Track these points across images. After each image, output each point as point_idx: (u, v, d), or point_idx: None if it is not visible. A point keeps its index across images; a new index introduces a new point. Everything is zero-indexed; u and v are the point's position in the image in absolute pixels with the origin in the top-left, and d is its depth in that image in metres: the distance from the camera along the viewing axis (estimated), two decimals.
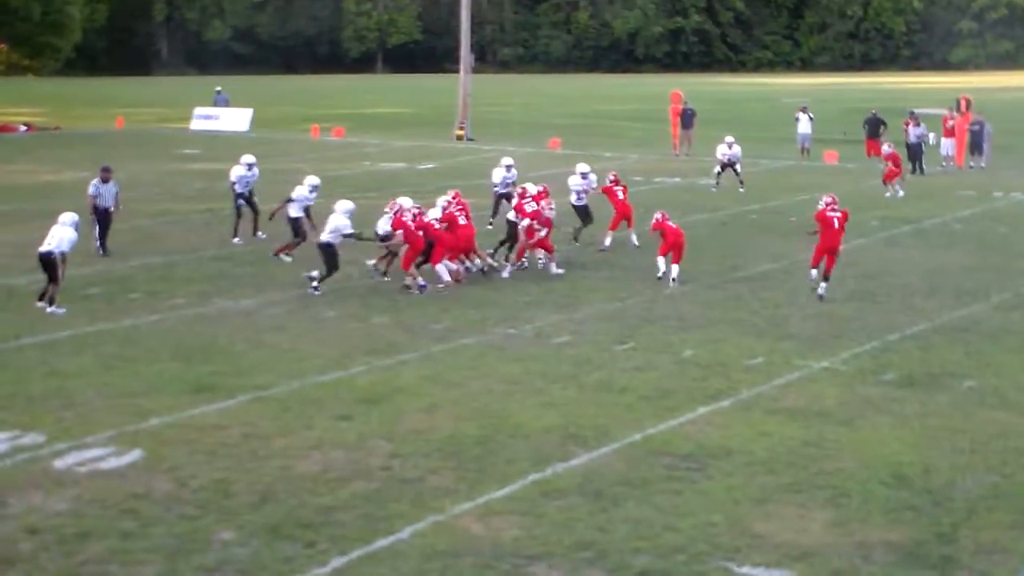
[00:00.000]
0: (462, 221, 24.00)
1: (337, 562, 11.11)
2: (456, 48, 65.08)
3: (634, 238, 27.37)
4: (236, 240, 28.27)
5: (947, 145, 45.08)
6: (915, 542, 11.54)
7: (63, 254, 20.84)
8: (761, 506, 12.46)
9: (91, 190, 26.59)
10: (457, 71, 61.93)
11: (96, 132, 63.30)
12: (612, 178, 27.92)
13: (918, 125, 43.62)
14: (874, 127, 48.16)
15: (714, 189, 37.20)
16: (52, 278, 20.94)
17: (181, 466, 13.52)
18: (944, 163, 44.40)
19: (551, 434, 14.68)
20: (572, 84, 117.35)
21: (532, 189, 25.32)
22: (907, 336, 19.55)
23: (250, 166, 29.19)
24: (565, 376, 17.24)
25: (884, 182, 36.62)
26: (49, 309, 20.87)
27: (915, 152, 43.24)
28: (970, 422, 15.16)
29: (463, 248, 24.12)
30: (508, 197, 28.29)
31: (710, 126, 56.45)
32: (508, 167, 29.66)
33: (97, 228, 26.52)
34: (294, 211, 26.30)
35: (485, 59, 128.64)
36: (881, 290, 23.05)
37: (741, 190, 36.46)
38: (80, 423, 15.03)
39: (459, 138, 56.84)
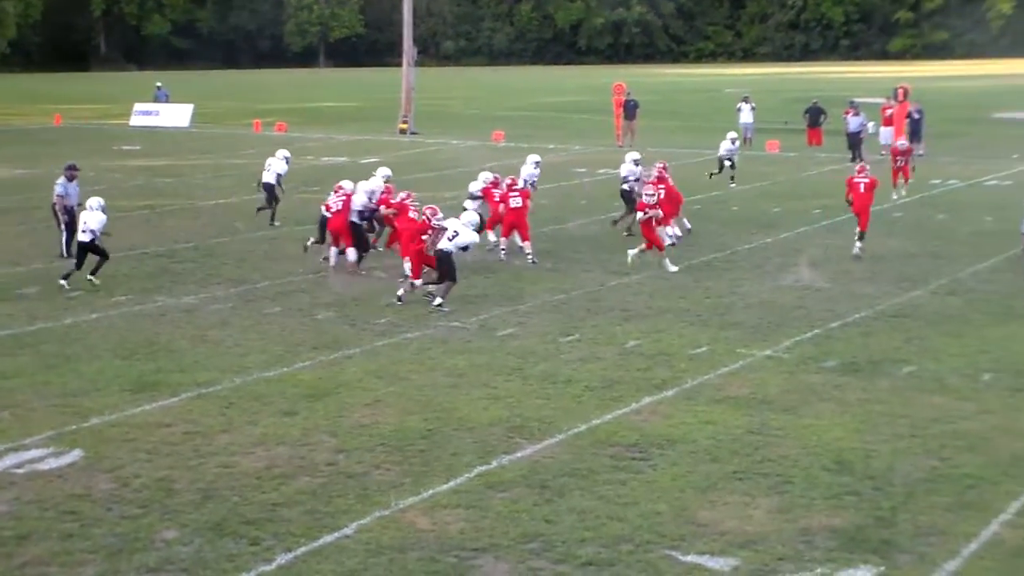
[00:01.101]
0: (411, 215, 23.78)
1: (282, 559, 11.05)
2: (399, 42, 64.88)
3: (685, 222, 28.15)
4: (275, 224, 29.49)
5: (886, 134, 45.45)
6: (856, 527, 11.64)
7: (95, 234, 22.73)
8: (705, 494, 12.52)
9: (59, 189, 26.05)
10: (400, 65, 61.81)
11: (33, 129, 62.67)
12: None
13: (858, 114, 43.95)
14: (815, 116, 48.57)
15: (709, 178, 36.50)
16: (101, 256, 22.94)
17: (122, 465, 13.40)
18: (883, 152, 44.74)
19: (496, 426, 14.69)
20: (515, 76, 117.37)
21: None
22: (848, 323, 19.72)
23: (287, 159, 30.06)
24: (510, 368, 17.25)
25: (899, 182, 33.57)
26: (98, 281, 22.74)
27: (855, 141, 43.60)
28: (910, 407, 15.32)
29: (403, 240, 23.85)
30: (628, 193, 28.37)
31: (653, 117, 56.75)
32: (635, 161, 29.56)
33: (66, 229, 25.76)
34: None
35: (428, 52, 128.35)
36: (823, 277, 23.22)
37: (732, 186, 35.98)
38: (19, 424, 14.88)
39: (403, 132, 56.73)
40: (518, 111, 70.11)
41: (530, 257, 24.96)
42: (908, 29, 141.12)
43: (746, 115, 49.21)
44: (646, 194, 24.07)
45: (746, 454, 13.68)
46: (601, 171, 40.94)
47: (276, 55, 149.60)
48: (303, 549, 11.24)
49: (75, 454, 13.79)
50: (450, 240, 20.86)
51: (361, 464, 13.47)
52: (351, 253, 24.23)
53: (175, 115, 64.47)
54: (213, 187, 37.28)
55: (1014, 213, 29.57)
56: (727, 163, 36.26)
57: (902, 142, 33.11)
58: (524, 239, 25.27)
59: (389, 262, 24.41)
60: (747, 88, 66.81)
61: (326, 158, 45.67)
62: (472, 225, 21.49)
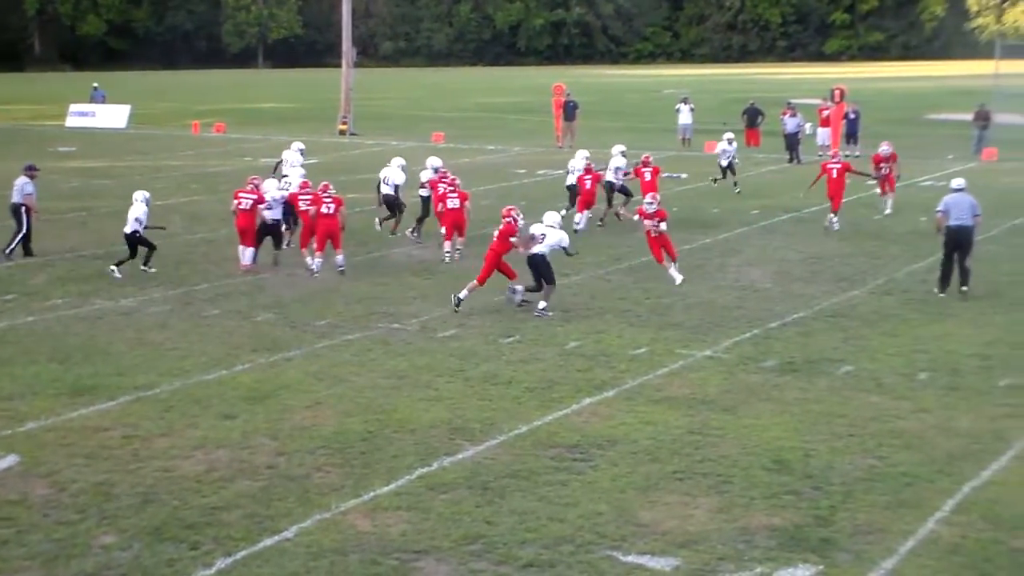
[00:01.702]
0: (324, 210, 23.78)
1: (222, 563, 10.99)
2: (338, 43, 64.70)
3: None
4: (411, 233, 28.46)
5: (823, 135, 45.89)
6: (795, 526, 11.74)
7: (141, 224, 23.77)
8: (646, 494, 12.59)
9: (29, 188, 26.07)
10: (339, 65, 61.59)
11: None
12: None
13: (795, 115, 44.33)
14: (753, 117, 48.90)
15: (715, 185, 36.03)
16: (148, 247, 24.09)
17: (59, 470, 13.27)
18: (820, 152, 45.16)
19: (437, 428, 14.68)
20: (454, 77, 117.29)
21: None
22: (787, 323, 19.89)
23: (403, 167, 29.02)
24: (451, 370, 17.25)
25: (886, 191, 31.52)
26: (152, 270, 24.09)
27: (792, 142, 43.99)
28: (847, 406, 15.47)
29: (319, 235, 23.85)
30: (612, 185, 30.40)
31: (593, 117, 56.89)
32: (623, 153, 30.90)
33: (26, 228, 25.89)
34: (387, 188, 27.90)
35: (367, 53, 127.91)
36: (762, 278, 23.40)
37: (737, 191, 35.26)
38: None
39: (342, 133, 56.54)
40: (458, 112, 70.08)
41: (458, 254, 25.26)
42: (844, 31, 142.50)
43: (685, 116, 49.49)
44: (646, 203, 23.44)
45: (686, 454, 13.76)
46: (541, 172, 41.05)
47: (214, 56, 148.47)
48: (243, 553, 11.19)
49: (11, 459, 13.63)
50: (540, 243, 20.82)
51: (302, 467, 13.42)
52: (248, 253, 24.45)
53: (112, 116, 63.87)
54: (151, 189, 36.79)
55: None
56: (726, 167, 35.68)
57: (885, 148, 30.97)
58: (461, 235, 25.47)
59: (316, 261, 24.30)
60: (686, 89, 67.21)
61: (265, 159, 45.31)
62: (557, 224, 21.35)
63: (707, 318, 20.25)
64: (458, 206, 25.32)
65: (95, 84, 69.33)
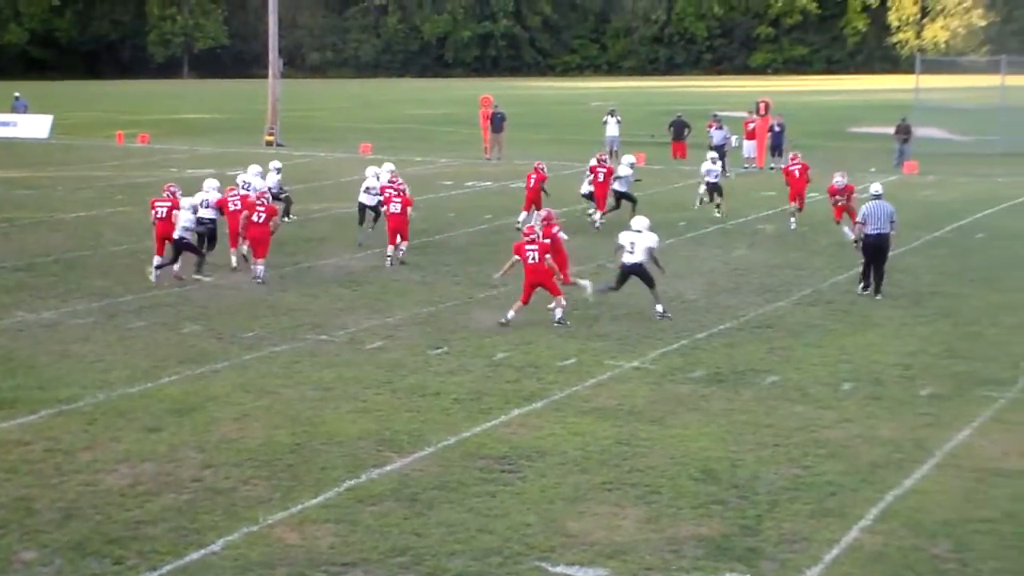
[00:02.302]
0: (255, 218, 24.09)
1: None
2: (264, 53, 64.27)
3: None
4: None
5: (749, 147, 46.36)
6: (722, 535, 11.83)
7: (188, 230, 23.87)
8: (575, 505, 12.63)
9: None
10: (266, 76, 61.21)
11: None
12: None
13: (721, 127, 44.73)
14: (679, 130, 49.28)
15: (696, 207, 34.20)
16: (199, 255, 24.34)
17: None
18: (746, 164, 45.63)
19: (365, 440, 14.64)
20: (382, 88, 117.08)
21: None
22: (714, 334, 20.04)
23: (279, 170, 30.24)
24: (379, 381, 17.20)
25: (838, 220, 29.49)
26: (206, 278, 24.12)
27: (719, 154, 44.33)
28: (773, 416, 15.62)
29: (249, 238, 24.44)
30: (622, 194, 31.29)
31: (520, 129, 57.02)
32: (631, 164, 31.74)
33: None
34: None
35: (294, 64, 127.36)
36: (689, 289, 23.55)
37: (718, 214, 33.53)
38: None
39: (269, 143, 56.18)
40: (385, 123, 69.94)
41: (400, 257, 25.78)
42: (768, 44, 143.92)
43: (612, 128, 49.66)
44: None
45: (614, 465, 13.82)
46: (469, 184, 41.07)
47: (139, 66, 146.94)
48: (168, 567, 11.09)
49: None
50: (630, 252, 20.94)
51: (228, 479, 13.32)
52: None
53: (34, 126, 63.04)
54: (74, 199, 36.55)
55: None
56: (711, 187, 33.89)
57: (839, 180, 28.73)
58: (404, 239, 25.92)
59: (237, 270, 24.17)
60: (613, 101, 67.56)
61: (191, 170, 45.00)
62: (646, 227, 21.42)
63: (635, 329, 20.35)
64: (399, 211, 25.56)
65: (16, 93, 68.34)
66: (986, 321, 21.03)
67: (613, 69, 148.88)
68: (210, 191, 25.95)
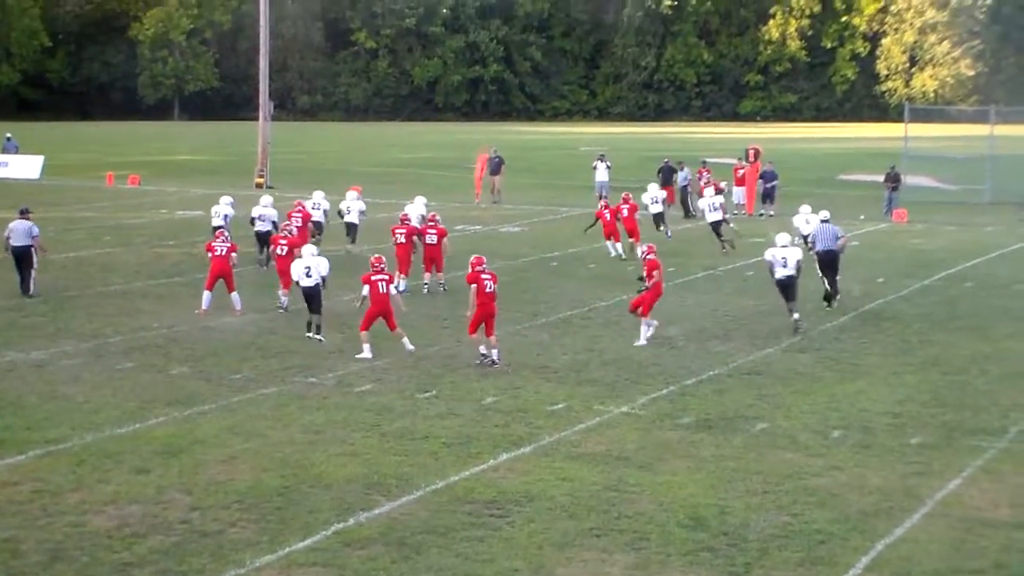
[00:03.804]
0: (218, 251, 24.88)
1: None
2: (254, 95, 64.42)
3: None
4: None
5: (738, 193, 46.48)
6: None
7: (324, 279, 22.98)
8: (563, 551, 12.60)
9: (36, 230, 27.34)
10: (256, 118, 61.35)
11: None
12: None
13: (683, 168, 45.35)
14: (667, 175, 49.35)
15: (725, 250, 34.97)
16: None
17: None
18: (736, 211, 45.73)
19: (354, 483, 14.61)
20: (372, 132, 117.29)
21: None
22: (703, 380, 20.05)
23: (232, 204, 32.18)
24: (367, 425, 17.18)
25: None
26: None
27: (684, 196, 45.04)
28: (762, 463, 15.61)
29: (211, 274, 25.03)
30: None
31: (511, 174, 57.02)
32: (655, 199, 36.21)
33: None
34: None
35: (285, 106, 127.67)
36: (678, 335, 23.57)
37: (724, 251, 34.78)
38: None
39: (259, 186, 56.15)
40: (375, 166, 70.01)
41: (434, 287, 27.79)
42: (758, 92, 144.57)
43: (601, 173, 49.69)
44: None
45: (603, 510, 13.81)
46: (458, 228, 41.02)
47: (130, 107, 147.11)
48: None
49: None
50: (783, 267, 23.81)
51: (216, 522, 13.28)
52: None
53: (25, 167, 62.98)
54: (64, 240, 36.49)
55: (861, 273, 30.47)
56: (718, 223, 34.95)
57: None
58: (439, 269, 27.82)
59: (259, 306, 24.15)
60: (602, 147, 67.74)
61: (181, 212, 45.08)
62: (791, 243, 24.16)
63: (624, 374, 20.36)
64: (435, 242, 27.32)
65: (8, 134, 68.30)
66: (975, 370, 21.06)
67: (603, 114, 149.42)
68: (267, 207, 30.88)
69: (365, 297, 21.36)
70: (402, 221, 28.56)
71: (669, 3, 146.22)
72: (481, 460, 15.62)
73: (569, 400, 18.63)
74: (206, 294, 25.11)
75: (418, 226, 29.58)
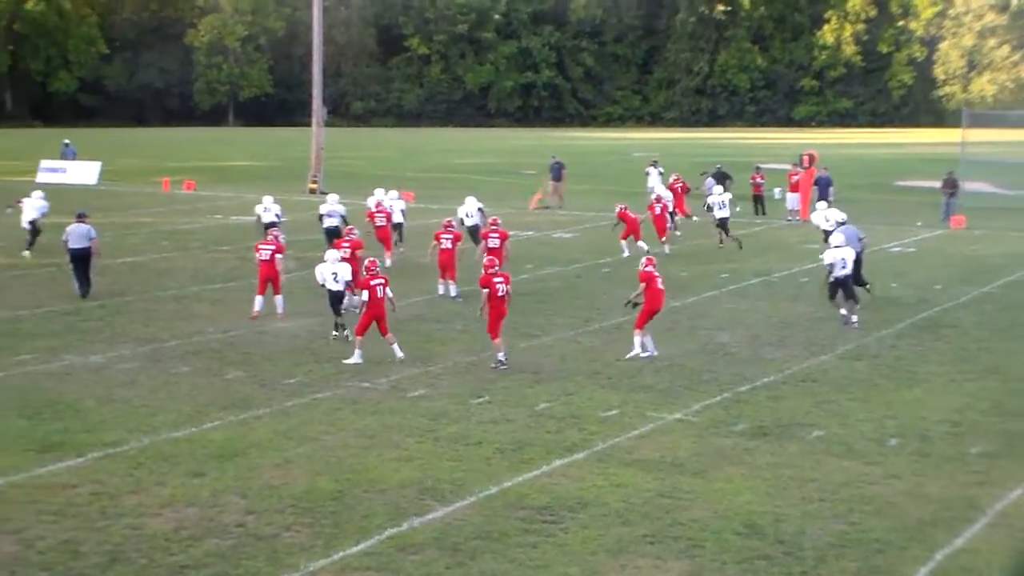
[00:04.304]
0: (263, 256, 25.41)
1: None
2: (308, 101, 64.74)
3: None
4: None
5: (792, 199, 46.20)
6: None
7: (347, 283, 23.39)
8: (617, 557, 12.55)
9: (94, 233, 27.92)
10: (309, 124, 61.66)
11: None
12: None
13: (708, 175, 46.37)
14: (720, 181, 49.12)
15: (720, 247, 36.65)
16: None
17: (27, 527, 13.15)
18: (790, 217, 45.48)
19: (407, 488, 14.62)
20: (425, 137, 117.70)
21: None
22: (758, 387, 19.92)
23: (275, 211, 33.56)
24: (421, 430, 17.20)
25: None
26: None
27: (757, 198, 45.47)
28: (819, 471, 15.49)
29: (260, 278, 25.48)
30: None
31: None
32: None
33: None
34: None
35: (338, 112, 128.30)
36: (732, 342, 23.45)
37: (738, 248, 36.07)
38: None
39: (312, 191, 56.46)
40: (427, 172, 70.22)
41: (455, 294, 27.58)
42: (812, 97, 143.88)
43: (654, 179, 49.67)
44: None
45: (657, 517, 13.74)
46: (510, 233, 41.01)
47: (185, 113, 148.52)
48: None
49: None
50: (843, 267, 24.66)
51: (271, 526, 13.33)
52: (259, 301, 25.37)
53: (82, 172, 63.66)
54: (121, 245, 36.84)
55: (918, 279, 30.24)
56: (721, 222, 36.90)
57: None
58: (452, 279, 27.67)
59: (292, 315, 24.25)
60: (655, 152, 67.64)
61: (236, 217, 45.35)
62: (843, 243, 24.99)
63: (677, 381, 20.27)
64: (498, 245, 27.34)
65: (66, 140, 69.09)
66: None
67: (655, 120, 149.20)
68: (335, 203, 32.94)
69: (364, 302, 21.52)
70: (446, 227, 28.48)
71: (722, 8, 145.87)
72: (534, 466, 15.59)
73: (623, 406, 18.57)
74: (258, 298, 25.35)
75: (479, 222, 31.97)
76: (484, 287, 21.28)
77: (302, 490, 14.50)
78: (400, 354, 21.44)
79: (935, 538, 13.21)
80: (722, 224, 36.69)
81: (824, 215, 31.95)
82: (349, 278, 23.32)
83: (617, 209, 35.78)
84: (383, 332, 21.51)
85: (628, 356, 21.74)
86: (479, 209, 33.53)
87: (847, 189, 50.45)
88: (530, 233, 40.79)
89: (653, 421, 17.79)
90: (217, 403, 18.53)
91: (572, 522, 13.57)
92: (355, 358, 21.31)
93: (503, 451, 16.25)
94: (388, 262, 31.73)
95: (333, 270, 23.26)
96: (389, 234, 32.81)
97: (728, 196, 37.79)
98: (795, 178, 46.63)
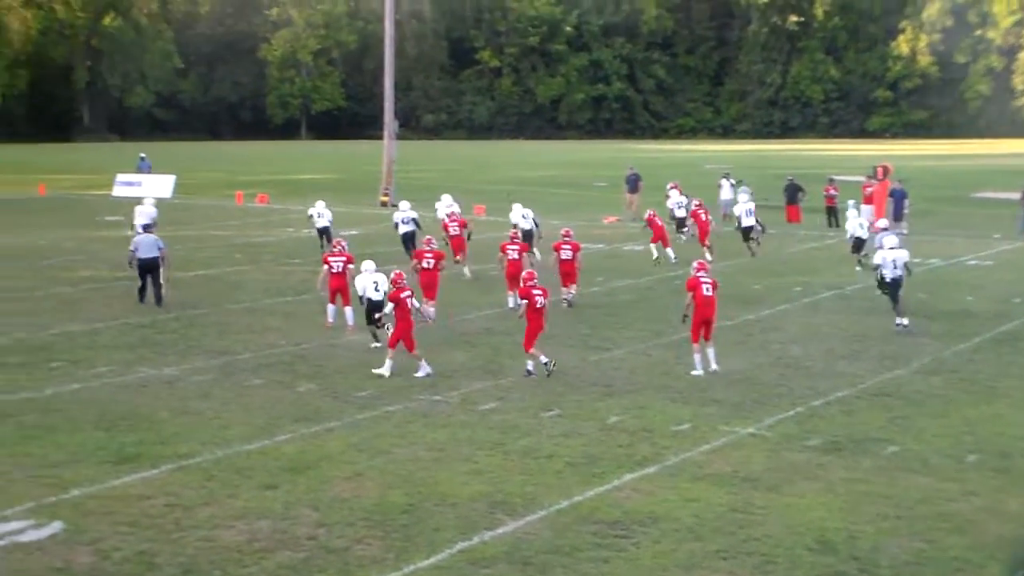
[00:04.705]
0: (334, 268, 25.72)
1: None
2: (380, 115, 65.18)
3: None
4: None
5: (866, 212, 45.70)
6: None
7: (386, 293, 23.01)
8: (689, 573, 12.46)
9: (162, 243, 28.75)
10: (381, 137, 62.01)
11: (18, 198, 62.63)
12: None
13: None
14: (792, 193, 48.86)
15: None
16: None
17: (103, 538, 13.29)
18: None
19: (478, 502, 14.62)
20: (496, 150, 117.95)
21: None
22: (831, 401, 19.72)
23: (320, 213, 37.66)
24: (492, 443, 17.19)
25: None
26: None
27: (831, 210, 45.11)
28: (894, 487, 15.29)
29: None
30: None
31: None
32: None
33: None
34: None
35: (409, 125, 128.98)
36: (805, 355, 23.24)
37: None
38: None
39: (384, 204, 56.79)
40: (498, 184, 70.33)
41: (572, 298, 28.31)
42: (887, 108, 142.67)
43: (726, 192, 49.43)
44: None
45: (729, 532, 13.63)
46: (584, 245, 40.98)
47: (258, 127, 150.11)
48: None
49: (55, 526, 13.68)
50: (895, 269, 25.52)
51: (343, 538, 13.38)
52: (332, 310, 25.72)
53: (158, 185, 64.44)
54: (195, 258, 37.24)
55: (995, 292, 29.83)
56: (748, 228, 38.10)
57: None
58: (573, 281, 28.44)
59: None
60: (727, 164, 67.31)
61: (307, 230, 45.62)
62: (898, 244, 26.13)
63: (749, 395, 20.12)
64: (571, 256, 28.13)
65: (142, 154, 69.99)
66: None
67: (727, 132, 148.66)
68: (407, 209, 35.25)
69: (391, 315, 21.56)
70: (512, 238, 28.78)
71: (795, 19, 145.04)
72: (605, 480, 15.53)
73: (694, 420, 18.46)
74: (330, 307, 25.60)
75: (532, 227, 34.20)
76: (523, 298, 21.45)
77: (373, 503, 14.54)
78: (425, 371, 21.34)
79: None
80: (747, 232, 37.84)
81: (858, 222, 33.94)
82: (387, 288, 23.21)
83: (647, 214, 36.68)
84: (409, 348, 21.45)
85: (692, 373, 21.55)
86: (523, 216, 35.11)
87: (922, 201, 49.91)
88: (601, 246, 40.69)
89: (725, 435, 17.66)
90: (289, 415, 18.65)
91: (644, 537, 13.49)
92: (384, 368, 21.36)
93: (574, 465, 16.20)
94: (467, 273, 32.01)
95: (373, 279, 23.49)
96: (464, 243, 33.05)
97: (752, 205, 38.96)
98: (869, 190, 46.23)
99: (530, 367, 21.35)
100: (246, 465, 16.04)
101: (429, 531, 13.63)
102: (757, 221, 38.07)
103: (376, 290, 23.37)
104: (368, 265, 23.99)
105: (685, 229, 40.76)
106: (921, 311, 28.27)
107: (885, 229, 29.79)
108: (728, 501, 14.69)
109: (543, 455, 16.62)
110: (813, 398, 19.88)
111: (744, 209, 38.37)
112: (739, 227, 38.38)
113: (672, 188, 44.47)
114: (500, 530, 13.70)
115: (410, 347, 21.44)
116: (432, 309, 26.13)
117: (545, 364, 21.23)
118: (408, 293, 21.49)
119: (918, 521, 14.04)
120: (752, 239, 37.76)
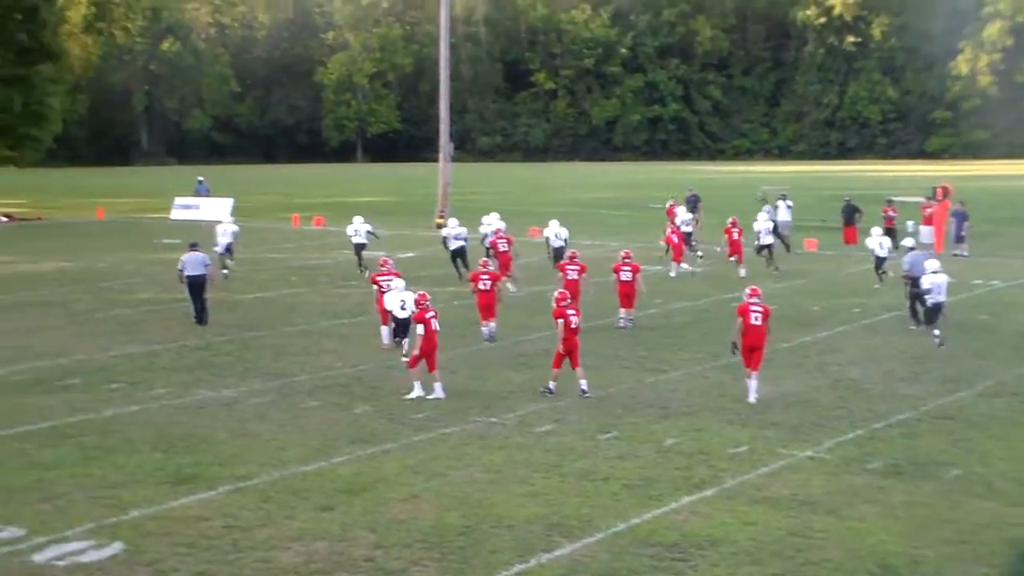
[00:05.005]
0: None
1: None
2: (435, 137, 65.37)
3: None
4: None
5: (926, 233, 45.38)
6: None
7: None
8: None
9: (208, 260, 29.45)
10: (437, 160, 62.20)
11: (77, 222, 63.37)
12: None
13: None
14: (849, 214, 48.52)
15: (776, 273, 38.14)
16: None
17: (162, 559, 13.35)
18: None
19: (535, 524, 14.56)
20: (551, 172, 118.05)
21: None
22: (892, 424, 19.50)
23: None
24: (548, 465, 17.13)
25: None
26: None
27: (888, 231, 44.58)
28: (957, 512, 15.07)
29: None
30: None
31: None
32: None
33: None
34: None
35: (464, 148, 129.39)
36: (864, 377, 23.02)
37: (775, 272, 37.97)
38: (60, 516, 14.87)
39: (439, 226, 56.85)
40: (554, 207, 70.27)
41: (630, 322, 28.75)
42: (946, 128, 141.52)
43: (783, 213, 49.17)
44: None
45: (788, 556, 13.49)
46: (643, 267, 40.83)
47: (314, 150, 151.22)
48: None
49: (115, 547, 13.75)
50: (939, 293, 25.97)
51: (399, 560, 13.36)
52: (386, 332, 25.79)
53: (216, 208, 64.86)
54: (252, 281, 37.48)
55: None
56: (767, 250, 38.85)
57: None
58: (632, 305, 28.81)
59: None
60: (784, 186, 66.91)
61: (364, 253, 45.80)
62: (939, 268, 26.43)
63: (808, 417, 19.94)
64: (630, 278, 28.55)
65: (200, 177, 70.59)
66: None
67: (784, 153, 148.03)
68: (456, 227, 36.51)
69: (420, 335, 21.43)
70: (571, 259, 28.80)
71: (852, 39, 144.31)
72: (662, 503, 15.43)
73: (752, 443, 18.31)
74: (384, 329, 25.64)
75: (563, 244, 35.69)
76: (558, 318, 21.43)
77: (430, 525, 14.52)
78: (440, 394, 21.30)
79: None
80: (764, 249, 38.67)
81: (879, 241, 34.57)
82: (415, 308, 22.87)
83: (668, 231, 38.36)
84: (430, 368, 21.42)
85: (748, 400, 21.26)
86: (556, 235, 37.19)
87: (983, 223, 49.40)
88: (658, 268, 40.52)
89: (783, 458, 17.50)
90: (345, 437, 18.68)
91: (702, 560, 13.38)
92: (415, 391, 21.36)
93: (631, 487, 16.11)
94: (512, 288, 32.17)
95: (401, 298, 23.82)
96: (511, 260, 33.51)
97: (771, 224, 39.94)
98: (928, 211, 45.85)
99: (551, 386, 21.55)
100: (303, 487, 16.08)
101: (486, 553, 13.59)
102: (781, 239, 39.75)
103: (402, 308, 23.65)
104: (398, 283, 24.29)
105: (693, 244, 41.72)
106: (984, 332, 27.98)
107: (912, 248, 30.11)
108: (787, 524, 14.55)
109: (600, 477, 16.54)
110: (873, 421, 19.67)
111: (764, 228, 39.22)
112: (758, 244, 38.99)
113: (675, 206, 45.82)
114: (557, 552, 13.63)
115: (431, 367, 21.40)
116: (494, 324, 26.70)
117: (550, 391, 21.52)
118: (432, 314, 21.45)
119: (982, 546, 13.83)
120: (769, 256, 38.66)
